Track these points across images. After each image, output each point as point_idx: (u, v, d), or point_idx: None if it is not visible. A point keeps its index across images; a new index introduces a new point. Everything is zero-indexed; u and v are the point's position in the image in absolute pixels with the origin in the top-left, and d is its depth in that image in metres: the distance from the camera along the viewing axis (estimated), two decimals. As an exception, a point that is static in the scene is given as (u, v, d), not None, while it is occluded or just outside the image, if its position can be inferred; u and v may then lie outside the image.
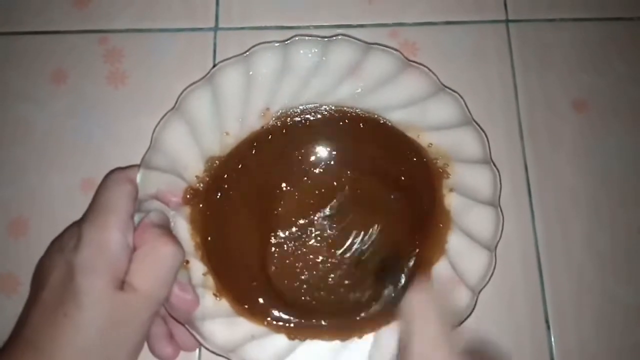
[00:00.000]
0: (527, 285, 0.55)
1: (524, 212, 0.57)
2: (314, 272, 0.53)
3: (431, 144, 0.52)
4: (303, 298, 0.52)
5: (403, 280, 0.50)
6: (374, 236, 0.54)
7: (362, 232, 0.54)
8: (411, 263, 0.52)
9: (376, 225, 0.54)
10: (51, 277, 0.42)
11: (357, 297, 0.52)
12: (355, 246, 0.54)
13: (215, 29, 0.60)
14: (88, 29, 0.60)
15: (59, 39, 0.59)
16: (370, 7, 0.61)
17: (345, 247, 0.54)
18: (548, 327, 0.54)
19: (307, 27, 0.60)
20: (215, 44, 0.60)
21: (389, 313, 0.49)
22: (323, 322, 0.50)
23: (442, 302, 0.42)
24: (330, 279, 0.53)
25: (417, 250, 0.52)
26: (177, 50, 0.59)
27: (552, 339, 0.54)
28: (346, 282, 0.53)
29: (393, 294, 0.50)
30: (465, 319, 0.48)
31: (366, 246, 0.54)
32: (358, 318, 0.51)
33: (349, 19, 0.61)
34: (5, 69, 0.59)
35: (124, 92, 0.58)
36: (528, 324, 0.54)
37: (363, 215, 0.55)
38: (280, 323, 0.50)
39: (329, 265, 0.54)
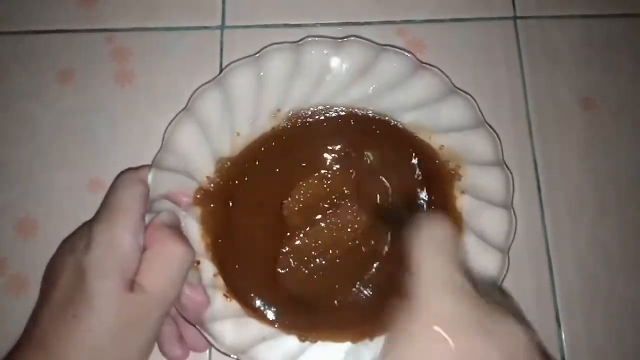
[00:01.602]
0: (537, 281, 0.55)
1: (534, 210, 0.57)
2: (327, 271, 0.53)
3: (443, 146, 0.53)
4: (314, 295, 0.52)
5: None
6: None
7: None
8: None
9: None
10: (62, 277, 0.42)
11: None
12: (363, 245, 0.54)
13: (222, 27, 0.60)
14: (95, 27, 0.59)
15: (66, 38, 0.59)
16: (377, 4, 0.61)
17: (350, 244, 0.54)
18: (559, 325, 0.54)
19: (315, 25, 0.60)
20: (222, 42, 0.59)
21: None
22: (334, 323, 0.50)
23: (452, 241, 0.39)
24: (343, 275, 0.53)
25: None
26: (184, 48, 0.59)
27: (563, 337, 0.54)
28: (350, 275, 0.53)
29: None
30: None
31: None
32: (366, 317, 0.50)
33: (357, 16, 0.61)
34: (11, 68, 0.58)
35: (131, 91, 0.58)
36: (539, 321, 0.54)
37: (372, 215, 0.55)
38: (291, 323, 0.50)
39: (340, 261, 0.53)
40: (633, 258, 0.56)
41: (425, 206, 0.53)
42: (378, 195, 0.54)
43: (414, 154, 0.53)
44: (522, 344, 0.35)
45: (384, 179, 0.54)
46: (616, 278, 0.56)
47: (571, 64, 0.61)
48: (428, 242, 0.39)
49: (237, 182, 0.52)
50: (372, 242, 0.53)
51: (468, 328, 0.35)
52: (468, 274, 0.38)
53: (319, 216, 0.54)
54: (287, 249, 0.52)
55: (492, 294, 0.40)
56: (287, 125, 0.53)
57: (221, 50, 0.59)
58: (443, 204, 0.52)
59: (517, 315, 0.37)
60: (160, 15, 0.60)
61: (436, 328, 0.35)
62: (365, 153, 0.54)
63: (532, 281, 0.55)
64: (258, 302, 0.50)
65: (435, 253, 0.38)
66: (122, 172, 0.48)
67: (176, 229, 0.47)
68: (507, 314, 0.37)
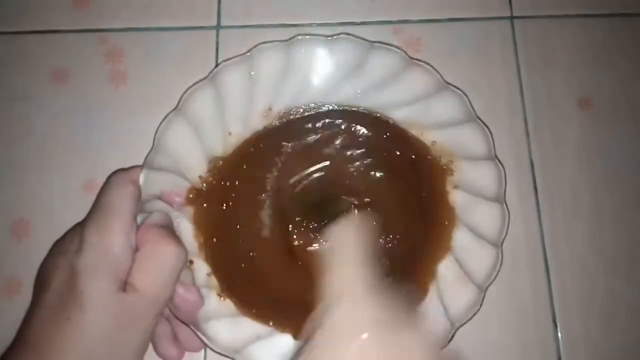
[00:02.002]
0: (534, 282, 0.55)
1: (530, 208, 0.56)
2: None
3: (435, 141, 0.52)
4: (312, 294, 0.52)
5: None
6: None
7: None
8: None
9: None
10: (54, 280, 0.42)
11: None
12: None
13: (218, 27, 0.60)
14: (88, 28, 0.59)
15: (59, 39, 0.59)
16: (373, 4, 0.61)
17: None
18: (555, 325, 0.54)
19: (310, 25, 0.60)
20: (217, 42, 0.59)
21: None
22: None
23: (364, 240, 0.41)
24: None
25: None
26: (179, 48, 0.59)
27: (559, 336, 0.54)
28: None
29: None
30: (473, 316, 0.48)
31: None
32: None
33: (352, 16, 0.60)
34: (5, 69, 0.58)
35: (124, 91, 0.58)
36: (535, 321, 0.54)
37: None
38: (286, 322, 0.49)
39: None
40: (630, 257, 0.56)
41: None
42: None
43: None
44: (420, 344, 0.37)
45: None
46: (613, 278, 0.55)
47: (568, 64, 0.61)
48: (336, 247, 0.41)
49: (229, 181, 0.51)
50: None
51: (374, 329, 0.36)
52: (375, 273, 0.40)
53: (313, 215, 0.54)
54: (282, 247, 0.52)
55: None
56: (279, 123, 0.52)
57: (217, 50, 0.59)
58: (436, 199, 0.52)
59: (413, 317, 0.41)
60: (154, 15, 0.60)
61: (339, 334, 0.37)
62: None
63: (528, 281, 0.55)
64: (252, 301, 0.50)
65: (341, 258, 0.40)
66: (113, 173, 0.48)
67: (168, 229, 0.47)
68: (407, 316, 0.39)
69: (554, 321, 0.54)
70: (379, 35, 0.57)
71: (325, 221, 0.51)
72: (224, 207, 0.51)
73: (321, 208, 0.53)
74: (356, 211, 0.52)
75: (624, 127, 0.59)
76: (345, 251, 0.41)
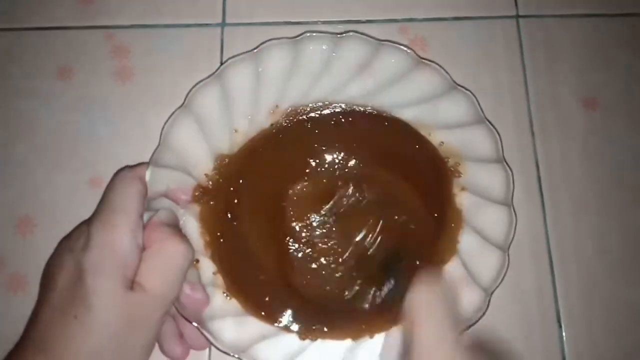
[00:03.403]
0: (539, 281, 0.55)
1: (535, 209, 0.56)
2: (326, 268, 0.53)
3: (442, 142, 0.52)
4: (315, 295, 0.52)
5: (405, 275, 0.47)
6: (380, 230, 0.54)
7: (371, 227, 0.54)
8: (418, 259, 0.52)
9: (381, 222, 0.54)
10: (60, 278, 0.42)
11: (363, 290, 0.52)
12: (366, 240, 0.54)
13: (223, 24, 0.59)
14: (94, 24, 0.59)
15: (65, 35, 0.59)
16: (379, 2, 0.61)
17: (356, 241, 0.54)
18: (560, 326, 0.54)
19: (316, 23, 0.60)
20: (222, 40, 0.59)
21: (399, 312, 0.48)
22: (335, 322, 0.49)
23: (450, 300, 0.40)
24: (339, 274, 0.53)
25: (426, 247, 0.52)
26: (184, 46, 0.59)
27: (564, 338, 0.54)
28: (354, 274, 0.53)
29: (394, 288, 0.50)
30: (478, 320, 0.48)
31: (373, 240, 0.53)
32: (366, 315, 0.50)
33: (358, 14, 0.60)
34: (10, 65, 0.58)
35: (130, 88, 0.58)
36: (540, 322, 0.54)
37: (372, 212, 0.54)
38: (292, 322, 0.49)
39: (339, 260, 0.53)
40: (635, 258, 0.56)
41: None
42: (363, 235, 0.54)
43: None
44: None
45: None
46: (618, 278, 0.55)
47: (573, 63, 0.60)
48: (428, 301, 0.39)
49: (236, 179, 0.51)
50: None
51: None
52: (462, 331, 0.41)
53: (319, 214, 0.54)
54: (287, 246, 0.52)
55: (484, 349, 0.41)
56: (286, 121, 0.52)
57: (222, 47, 0.59)
58: (443, 201, 0.52)
59: None
60: (160, 12, 0.60)
61: None
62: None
63: (533, 281, 0.55)
64: (258, 301, 0.50)
65: (435, 313, 0.39)
66: (120, 170, 0.48)
67: (175, 228, 0.47)
68: None
69: (559, 321, 0.54)
70: (385, 33, 0.57)
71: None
72: (230, 205, 0.51)
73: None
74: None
75: (629, 125, 0.59)
76: (439, 304, 0.39)
